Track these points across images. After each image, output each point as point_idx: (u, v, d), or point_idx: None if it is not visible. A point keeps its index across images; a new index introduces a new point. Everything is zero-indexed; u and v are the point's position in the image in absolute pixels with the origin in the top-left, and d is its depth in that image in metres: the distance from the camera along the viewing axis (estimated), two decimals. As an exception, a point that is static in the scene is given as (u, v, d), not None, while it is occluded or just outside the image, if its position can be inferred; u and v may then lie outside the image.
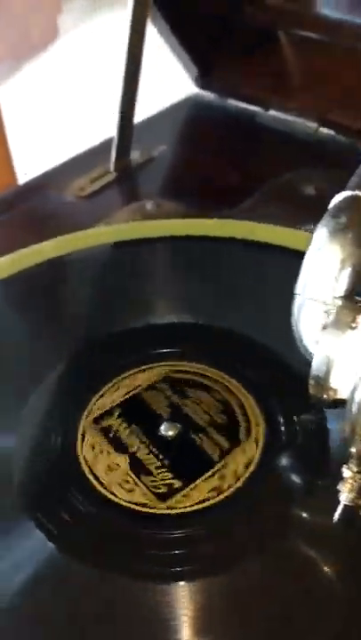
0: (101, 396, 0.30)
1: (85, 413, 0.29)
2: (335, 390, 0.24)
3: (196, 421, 0.29)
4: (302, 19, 0.58)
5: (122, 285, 0.34)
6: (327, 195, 0.46)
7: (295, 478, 0.27)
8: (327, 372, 0.24)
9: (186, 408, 0.29)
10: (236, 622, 0.24)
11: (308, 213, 0.45)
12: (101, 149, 0.56)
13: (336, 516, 0.25)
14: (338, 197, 0.27)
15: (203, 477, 0.27)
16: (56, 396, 0.30)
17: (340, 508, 0.25)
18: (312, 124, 0.56)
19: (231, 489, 0.27)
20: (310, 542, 0.25)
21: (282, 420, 0.28)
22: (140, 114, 0.56)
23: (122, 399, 0.30)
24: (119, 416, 0.30)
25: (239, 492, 0.27)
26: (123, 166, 0.51)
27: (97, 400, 0.30)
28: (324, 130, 0.56)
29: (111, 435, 0.29)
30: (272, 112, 0.58)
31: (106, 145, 0.57)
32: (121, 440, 0.29)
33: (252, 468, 0.27)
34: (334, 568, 0.24)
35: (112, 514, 0.27)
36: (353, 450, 0.23)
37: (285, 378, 0.29)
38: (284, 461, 0.27)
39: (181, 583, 0.25)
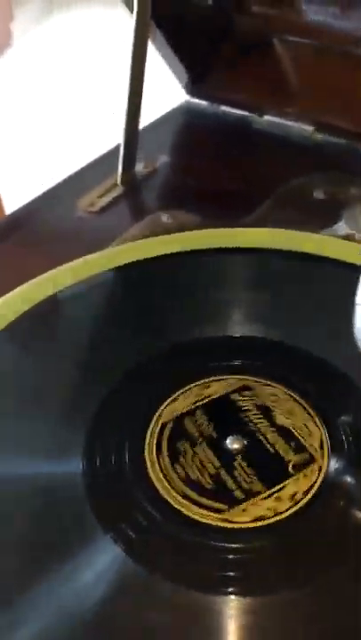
0: (170, 402, 0.31)
1: (153, 423, 0.30)
2: None
3: (261, 438, 0.30)
4: (288, 25, 0.59)
5: (192, 293, 0.36)
6: (337, 198, 0.48)
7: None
8: None
9: (252, 424, 0.30)
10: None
11: (321, 217, 0.47)
12: (99, 163, 0.57)
13: None
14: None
15: (262, 494, 0.28)
16: (126, 402, 0.31)
17: None
18: (308, 128, 0.58)
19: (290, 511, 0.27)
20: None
21: (347, 446, 0.29)
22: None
23: (190, 408, 0.31)
24: (186, 425, 0.30)
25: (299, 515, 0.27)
26: (129, 179, 0.52)
27: (165, 408, 0.31)
28: (321, 133, 0.58)
29: (178, 446, 0.30)
30: (267, 117, 0.60)
31: (103, 159, 0.58)
32: (186, 449, 0.30)
33: (312, 494, 0.28)
34: None
35: (182, 526, 0.27)
36: None
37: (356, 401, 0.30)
38: (347, 488, 0.28)
39: (256, 598, 0.25)
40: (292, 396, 0.31)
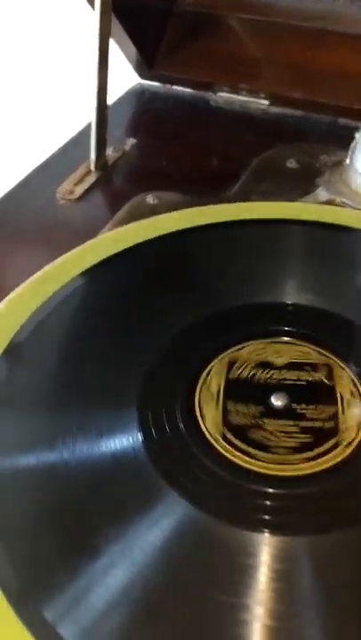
0: (222, 359, 0.33)
1: (205, 373, 0.32)
2: None
3: (302, 396, 0.32)
4: (234, 2, 0.61)
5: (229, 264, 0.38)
6: (309, 166, 0.51)
7: None
8: None
9: (296, 382, 0.32)
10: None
11: (297, 185, 0.50)
12: (65, 150, 0.57)
13: None
14: None
15: (304, 446, 0.30)
16: (175, 366, 0.33)
17: None
18: (264, 102, 0.60)
19: (338, 459, 0.29)
20: None
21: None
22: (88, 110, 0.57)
23: (239, 366, 0.33)
24: (235, 381, 0.32)
25: (340, 465, 0.29)
26: (102, 164, 0.52)
27: (217, 362, 0.33)
28: (277, 106, 0.60)
29: (226, 397, 0.32)
30: (222, 94, 0.61)
31: (67, 146, 0.58)
32: (235, 403, 0.32)
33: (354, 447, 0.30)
34: None
35: (240, 476, 0.29)
36: None
37: None
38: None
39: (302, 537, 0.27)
40: (328, 357, 0.33)
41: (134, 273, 0.37)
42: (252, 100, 0.59)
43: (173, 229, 0.39)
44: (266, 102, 0.59)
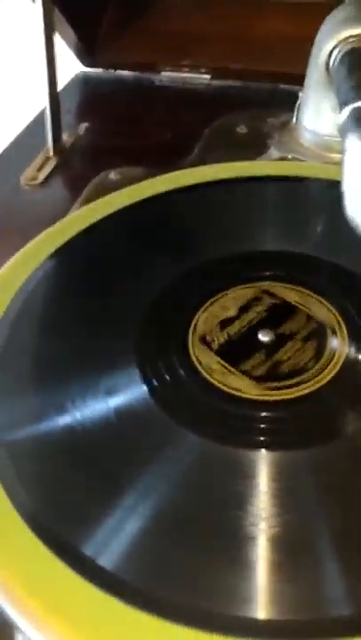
0: (212, 304, 0.36)
1: (197, 316, 0.35)
2: None
3: (288, 331, 0.35)
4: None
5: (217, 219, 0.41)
6: (257, 130, 0.53)
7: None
8: None
9: (281, 321, 0.35)
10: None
11: (249, 148, 0.52)
12: (21, 138, 0.58)
13: None
14: (347, 111, 0.33)
15: (291, 375, 0.33)
16: (176, 298, 0.36)
17: None
18: (206, 76, 0.62)
19: (317, 385, 0.32)
20: None
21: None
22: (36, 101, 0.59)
23: (228, 309, 0.35)
24: (226, 322, 0.35)
25: (323, 390, 0.32)
26: (60, 149, 0.54)
27: (208, 307, 0.36)
28: (218, 79, 0.62)
29: (218, 336, 0.34)
30: (165, 73, 0.63)
31: (22, 136, 0.59)
32: (226, 341, 0.34)
33: (334, 374, 0.33)
34: None
35: (214, 395, 0.32)
36: None
37: None
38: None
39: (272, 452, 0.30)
40: (310, 295, 0.36)
41: (115, 238, 0.40)
42: (194, 75, 0.62)
43: (149, 195, 0.42)
44: (208, 77, 0.61)
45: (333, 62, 0.39)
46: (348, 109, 0.33)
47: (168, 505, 0.29)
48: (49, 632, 0.26)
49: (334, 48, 0.39)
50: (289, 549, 0.28)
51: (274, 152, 0.49)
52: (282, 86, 0.60)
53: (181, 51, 0.62)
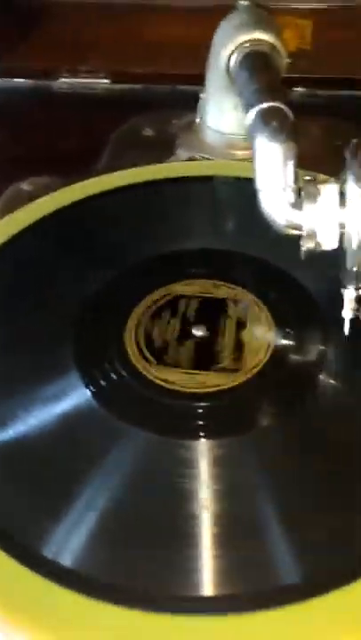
0: (146, 302, 0.37)
1: (132, 315, 0.37)
2: (320, 244, 0.33)
3: (221, 325, 0.36)
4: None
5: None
6: (163, 131, 0.54)
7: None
8: (313, 231, 0.32)
9: (213, 314, 0.37)
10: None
11: (158, 149, 0.53)
12: None
13: (346, 330, 0.34)
14: (253, 113, 0.35)
15: (226, 366, 0.35)
16: (111, 299, 0.37)
17: (347, 324, 0.34)
18: (105, 81, 0.63)
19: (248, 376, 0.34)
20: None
21: (290, 329, 0.36)
22: None
23: (162, 306, 0.37)
24: (160, 318, 0.36)
25: (254, 379, 0.34)
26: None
27: (142, 306, 0.37)
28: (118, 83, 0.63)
29: (153, 332, 0.36)
30: (63, 80, 0.63)
31: None
32: (161, 337, 0.36)
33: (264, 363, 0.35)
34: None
35: (154, 391, 0.34)
36: (353, 268, 0.32)
37: (295, 294, 0.37)
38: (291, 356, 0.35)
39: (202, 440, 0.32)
40: (237, 289, 0.38)
41: (43, 245, 0.40)
42: (93, 80, 0.62)
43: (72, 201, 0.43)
44: (107, 81, 0.62)
45: (233, 66, 0.41)
46: (253, 111, 0.35)
47: (108, 493, 0.30)
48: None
49: (233, 52, 0.41)
50: (228, 528, 0.30)
51: (182, 153, 0.50)
52: (180, 87, 0.62)
53: (78, 56, 0.62)
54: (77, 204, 0.42)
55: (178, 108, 0.58)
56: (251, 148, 0.48)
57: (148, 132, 0.53)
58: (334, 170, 0.34)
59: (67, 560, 0.29)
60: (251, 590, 0.28)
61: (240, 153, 0.50)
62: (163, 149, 0.52)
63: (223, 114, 0.49)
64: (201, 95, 0.50)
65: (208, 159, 0.50)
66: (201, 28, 0.48)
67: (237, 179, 0.44)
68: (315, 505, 0.31)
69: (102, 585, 0.28)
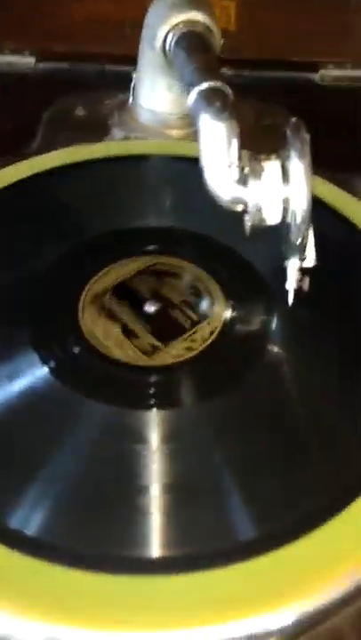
0: (97, 280, 0.38)
1: (84, 293, 0.37)
2: (265, 219, 0.34)
3: (172, 300, 0.37)
4: None
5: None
6: (95, 111, 0.54)
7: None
8: (258, 207, 0.33)
9: (164, 291, 0.38)
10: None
11: (91, 129, 0.53)
12: None
13: (290, 301, 0.36)
14: (196, 92, 0.35)
15: (177, 340, 0.36)
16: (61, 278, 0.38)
17: (291, 295, 0.36)
18: (30, 59, 0.61)
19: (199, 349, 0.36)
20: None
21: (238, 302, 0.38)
22: None
23: (113, 283, 0.38)
24: (112, 295, 0.37)
25: (205, 351, 0.36)
26: None
27: (93, 283, 0.38)
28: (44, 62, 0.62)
29: (106, 309, 0.37)
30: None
31: None
32: (114, 313, 0.37)
33: (215, 335, 0.36)
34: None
35: (108, 365, 0.35)
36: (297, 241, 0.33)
37: (241, 268, 0.39)
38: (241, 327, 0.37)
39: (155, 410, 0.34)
40: (188, 266, 0.39)
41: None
42: (18, 59, 0.61)
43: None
44: (32, 59, 0.61)
45: (169, 46, 0.42)
46: (195, 91, 0.35)
47: (66, 462, 0.31)
48: None
49: (168, 32, 0.42)
50: (180, 488, 0.31)
51: (117, 132, 0.51)
52: (108, 67, 0.62)
53: (2, 34, 0.61)
54: (23, 182, 0.42)
55: (106, 87, 0.58)
56: (183, 127, 0.51)
57: (80, 111, 0.53)
58: (262, 150, 0.35)
59: (30, 528, 0.29)
60: (206, 548, 0.29)
61: (174, 132, 0.51)
62: (96, 129, 0.52)
63: (156, 93, 0.49)
64: (133, 75, 0.51)
65: (142, 139, 0.51)
66: (129, 7, 0.49)
67: (176, 158, 0.45)
68: (261, 468, 0.32)
69: (61, 550, 0.29)
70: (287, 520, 0.30)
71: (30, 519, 0.30)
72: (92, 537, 0.30)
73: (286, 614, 0.28)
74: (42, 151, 0.49)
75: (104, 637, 0.27)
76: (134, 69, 0.52)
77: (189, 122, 0.51)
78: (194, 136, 0.49)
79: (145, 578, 0.29)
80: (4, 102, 0.59)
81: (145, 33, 0.46)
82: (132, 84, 0.51)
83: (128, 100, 0.52)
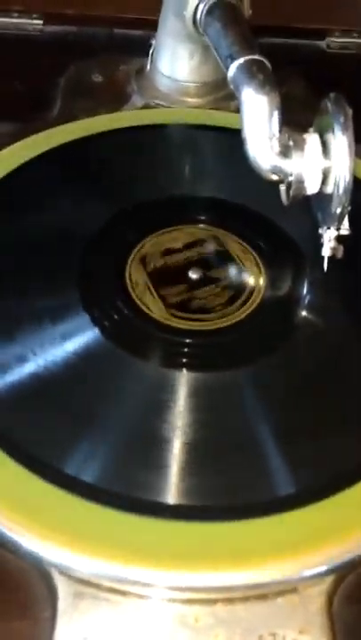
0: (144, 245, 0.40)
1: (132, 256, 0.39)
2: (304, 189, 0.36)
3: (214, 270, 0.39)
4: None
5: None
6: (112, 77, 0.54)
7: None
8: (301, 178, 0.35)
9: (208, 259, 0.40)
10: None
11: (108, 96, 0.53)
12: None
13: (325, 268, 0.37)
14: (236, 65, 0.36)
15: (219, 306, 0.38)
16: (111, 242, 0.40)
17: (326, 262, 0.37)
18: (38, 22, 0.61)
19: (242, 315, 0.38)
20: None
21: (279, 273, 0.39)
22: None
23: (160, 249, 0.40)
24: (158, 260, 0.39)
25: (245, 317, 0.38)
26: None
27: (141, 247, 0.40)
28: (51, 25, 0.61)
29: (152, 274, 0.39)
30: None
31: None
32: (160, 278, 0.39)
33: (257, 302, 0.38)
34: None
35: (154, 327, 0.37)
36: (337, 210, 0.35)
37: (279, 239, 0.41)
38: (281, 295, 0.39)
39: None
40: (223, 233, 0.41)
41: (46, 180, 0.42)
42: (26, 21, 0.60)
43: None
44: (40, 22, 0.60)
45: (200, 15, 0.42)
46: (236, 64, 0.37)
47: (112, 414, 0.34)
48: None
49: (200, 1, 0.42)
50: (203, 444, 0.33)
51: (137, 99, 0.51)
52: (117, 31, 0.62)
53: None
54: (72, 144, 0.43)
55: (115, 51, 0.58)
56: (202, 96, 0.52)
57: (97, 77, 0.53)
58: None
59: (87, 477, 0.31)
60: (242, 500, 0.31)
61: (193, 100, 0.52)
62: (114, 95, 0.53)
63: (177, 61, 0.50)
64: (152, 41, 0.51)
65: (163, 106, 0.51)
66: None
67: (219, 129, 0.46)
68: (295, 427, 0.34)
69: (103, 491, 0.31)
70: (324, 478, 0.32)
71: (87, 466, 0.32)
72: (145, 484, 0.31)
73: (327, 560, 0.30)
74: (62, 117, 0.50)
75: (164, 576, 0.29)
76: (144, 33, 0.52)
77: (208, 90, 0.52)
78: (212, 105, 0.51)
79: (198, 524, 0.30)
80: (13, 66, 0.58)
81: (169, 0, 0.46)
82: (151, 51, 0.51)
83: (144, 66, 0.52)
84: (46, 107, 0.52)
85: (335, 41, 0.61)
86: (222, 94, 0.51)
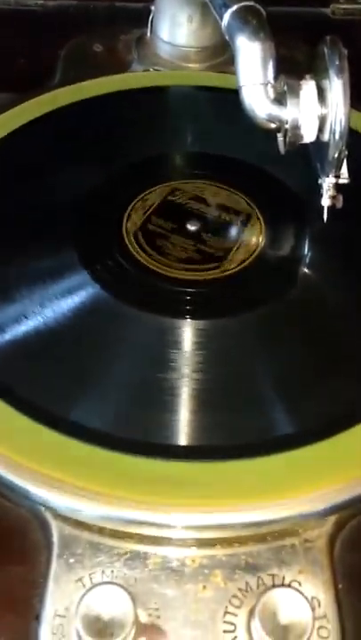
0: (141, 200, 0.40)
1: (129, 211, 0.39)
2: (302, 136, 0.35)
3: (212, 222, 0.39)
4: None
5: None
6: (112, 47, 0.54)
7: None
8: (297, 125, 0.34)
9: (205, 212, 0.40)
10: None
11: (109, 65, 0.53)
12: None
13: (325, 217, 0.37)
14: (230, 13, 0.36)
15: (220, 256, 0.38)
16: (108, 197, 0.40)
17: (325, 212, 0.37)
18: (40, -3, 0.61)
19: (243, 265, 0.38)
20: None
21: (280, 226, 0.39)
22: None
23: (156, 203, 0.40)
24: (155, 214, 0.39)
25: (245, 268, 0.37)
26: None
27: (138, 202, 0.40)
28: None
29: (150, 227, 0.38)
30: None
31: None
32: (158, 231, 0.38)
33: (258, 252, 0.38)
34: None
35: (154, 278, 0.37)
36: (334, 156, 0.34)
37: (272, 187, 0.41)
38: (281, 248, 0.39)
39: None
40: (219, 187, 0.41)
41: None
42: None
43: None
44: (42, -3, 0.61)
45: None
46: (229, 12, 0.36)
47: (114, 363, 0.34)
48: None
49: None
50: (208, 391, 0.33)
51: (137, 66, 0.51)
52: (117, 4, 0.62)
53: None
54: (71, 106, 0.43)
55: (119, 24, 0.58)
56: (202, 61, 0.51)
57: (98, 47, 0.53)
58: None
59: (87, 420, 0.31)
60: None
61: (193, 66, 0.52)
62: (115, 64, 0.53)
63: (176, 25, 0.50)
64: (152, 7, 0.51)
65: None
66: None
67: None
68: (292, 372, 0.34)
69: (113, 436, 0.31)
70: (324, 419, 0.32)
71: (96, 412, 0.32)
72: (158, 428, 0.31)
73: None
74: (63, 85, 0.50)
75: (162, 516, 0.29)
76: (144, 6, 0.52)
77: (208, 56, 0.52)
78: (212, 70, 0.51)
79: (199, 463, 0.30)
80: (15, 40, 0.59)
81: None
82: (150, 17, 0.51)
83: (144, 34, 0.52)
84: (48, 80, 0.52)
85: (340, 7, 0.61)
86: (221, 59, 0.51)
